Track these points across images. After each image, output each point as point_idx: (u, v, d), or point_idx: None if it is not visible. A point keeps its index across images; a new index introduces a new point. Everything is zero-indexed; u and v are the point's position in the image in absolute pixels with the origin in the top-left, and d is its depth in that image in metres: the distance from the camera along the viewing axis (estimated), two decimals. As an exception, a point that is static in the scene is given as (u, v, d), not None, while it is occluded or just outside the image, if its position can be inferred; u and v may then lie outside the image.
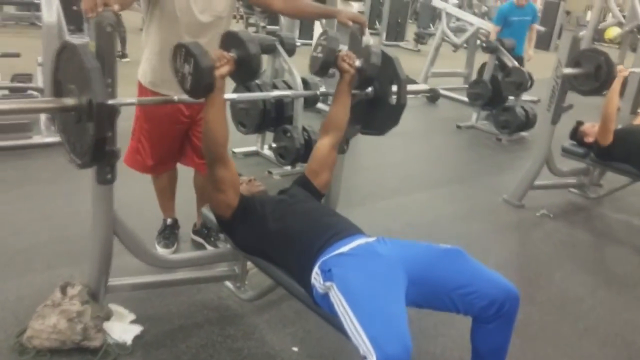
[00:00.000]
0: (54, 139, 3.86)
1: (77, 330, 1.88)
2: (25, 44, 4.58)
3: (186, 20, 2.20)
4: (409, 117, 6.08)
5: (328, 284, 1.57)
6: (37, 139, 3.81)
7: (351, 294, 1.50)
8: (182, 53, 1.73)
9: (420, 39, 12.16)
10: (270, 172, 3.87)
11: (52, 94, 1.77)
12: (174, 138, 2.50)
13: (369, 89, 2.26)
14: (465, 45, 7.47)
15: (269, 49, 3.82)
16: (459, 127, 5.77)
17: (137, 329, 2.07)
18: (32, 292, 2.17)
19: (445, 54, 7.65)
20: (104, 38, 1.67)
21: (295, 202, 1.95)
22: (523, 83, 5.11)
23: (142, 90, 2.37)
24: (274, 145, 3.87)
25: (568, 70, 3.35)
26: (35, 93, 4.07)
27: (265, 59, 4.01)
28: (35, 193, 3.15)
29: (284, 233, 1.82)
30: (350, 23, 2.23)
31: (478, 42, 7.11)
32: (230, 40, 1.87)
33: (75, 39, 1.62)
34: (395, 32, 12.65)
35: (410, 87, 2.96)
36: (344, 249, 1.68)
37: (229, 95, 2.18)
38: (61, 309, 1.91)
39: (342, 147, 2.49)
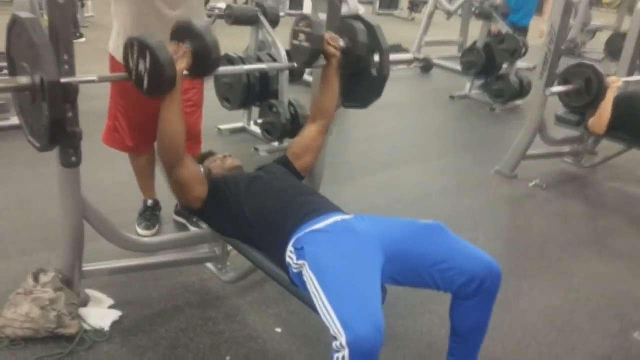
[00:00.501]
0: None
1: (50, 318, 1.82)
2: (4, 22, 4.43)
3: None
4: (400, 88, 6.07)
5: (301, 262, 1.53)
6: (15, 120, 3.68)
7: (323, 272, 1.45)
8: (136, 48, 1.60)
9: (414, 7, 11.93)
10: (256, 149, 3.78)
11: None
12: (152, 114, 2.38)
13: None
14: (459, 12, 7.29)
15: (251, 21, 3.69)
16: (452, 97, 5.66)
17: (115, 315, 2.01)
18: (6, 280, 2.10)
19: (440, 22, 7.47)
20: (57, 11, 1.56)
21: (271, 180, 1.87)
22: (517, 50, 4.98)
23: (116, 65, 2.27)
24: (259, 121, 3.78)
25: (556, 89, 3.34)
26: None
27: (248, 31, 3.89)
28: (11, 176, 3.07)
29: (258, 212, 1.76)
30: None
31: (473, 8, 6.92)
32: (183, 32, 1.74)
33: (25, 13, 1.52)
34: (389, 1, 12.38)
35: (394, 57, 2.85)
36: (319, 225, 1.62)
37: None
38: (33, 296, 1.85)
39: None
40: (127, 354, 1.85)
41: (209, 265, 2.31)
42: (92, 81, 1.72)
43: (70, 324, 1.86)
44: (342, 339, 1.26)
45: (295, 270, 1.56)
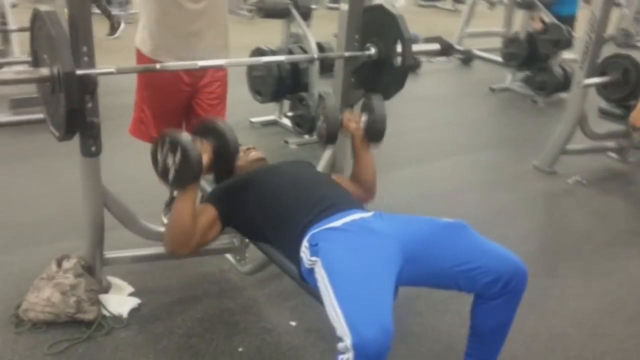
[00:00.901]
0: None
1: (70, 303, 1.88)
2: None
3: None
4: (438, 80, 5.97)
5: (314, 258, 1.49)
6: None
7: (335, 271, 1.41)
8: (167, 143, 1.63)
9: (459, -2, 11.64)
10: (286, 142, 3.78)
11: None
12: (176, 107, 2.44)
13: (372, 51, 2.13)
14: (504, 0, 7.07)
15: (282, 14, 3.69)
16: (492, 89, 5.49)
17: (134, 302, 2.05)
18: (35, 265, 2.16)
19: (485, 12, 7.27)
20: (76, 3, 1.59)
21: (291, 171, 1.86)
22: (561, 40, 4.78)
23: (141, 58, 2.31)
24: (289, 113, 3.79)
25: (590, 81, 3.22)
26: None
27: (279, 23, 3.89)
28: (49, 166, 3.17)
29: (276, 203, 1.72)
30: None
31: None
32: (206, 129, 1.83)
33: (45, 6, 1.55)
34: (433, -8, 12.14)
35: (418, 47, 2.78)
36: (336, 223, 1.58)
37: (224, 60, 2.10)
38: (55, 282, 1.90)
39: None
40: (143, 341, 1.89)
41: (228, 256, 2.32)
42: (111, 73, 1.75)
43: (89, 310, 1.91)
44: (348, 340, 1.23)
45: (307, 266, 1.52)
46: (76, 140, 1.75)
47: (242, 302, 2.13)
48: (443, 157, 3.82)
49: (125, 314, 1.99)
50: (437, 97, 5.30)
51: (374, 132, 2.01)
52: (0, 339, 1.82)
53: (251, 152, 2.06)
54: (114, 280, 2.13)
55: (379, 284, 1.38)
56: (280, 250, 1.72)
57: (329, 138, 2.03)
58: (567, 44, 4.84)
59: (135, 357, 1.81)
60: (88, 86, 1.66)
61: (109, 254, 2.04)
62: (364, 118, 2.01)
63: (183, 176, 1.63)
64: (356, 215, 1.61)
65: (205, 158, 1.68)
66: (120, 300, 2.05)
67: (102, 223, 1.92)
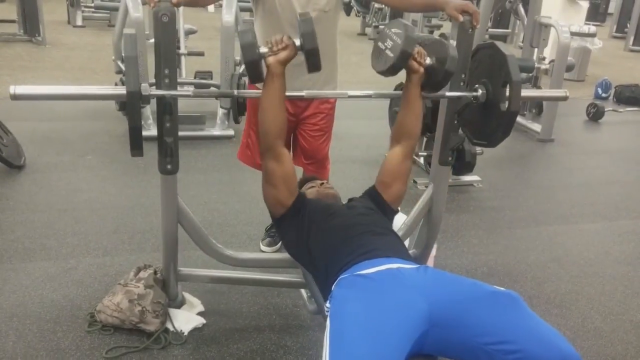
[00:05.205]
0: (222, 132, 4.20)
1: (135, 312, 1.96)
2: (209, 45, 5.03)
3: (287, 15, 2.18)
4: (623, 133, 5.31)
5: (328, 305, 1.39)
6: (206, 132, 4.17)
7: (337, 325, 1.28)
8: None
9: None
10: (415, 182, 3.58)
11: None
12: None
13: (479, 92, 1.90)
14: None
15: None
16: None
17: (199, 321, 2.08)
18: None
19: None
20: (160, 28, 1.69)
21: (348, 215, 1.74)
22: None
23: (250, 85, 2.38)
24: (422, 153, 3.63)
25: None
26: (214, 89, 4.44)
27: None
28: (184, 181, 3.41)
29: (321, 244, 1.65)
30: (461, 17, 1.91)
31: None
32: (300, 28, 1.71)
33: (129, 30, 1.68)
34: (647, 35, 10.76)
35: (536, 93, 2.43)
36: (369, 270, 1.44)
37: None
38: (127, 289, 2.01)
39: (446, 157, 2.16)
40: (191, 362, 1.89)
41: (303, 291, 2.23)
42: (188, 95, 1.83)
43: (151, 322, 1.97)
44: None
45: (326, 313, 1.40)
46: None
47: (302, 342, 2.02)
48: (593, 220, 3.26)
49: (186, 332, 2.02)
50: (614, 151, 4.62)
51: (434, 82, 1.79)
52: (72, 334, 1.97)
53: (325, 186, 2.02)
54: (188, 296, 2.19)
55: (381, 349, 1.19)
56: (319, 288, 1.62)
57: (390, 70, 1.76)
58: None
59: (178, 377, 1.82)
60: (166, 107, 1.75)
61: (184, 270, 2.10)
62: (429, 61, 1.77)
63: (245, 63, 1.64)
64: (394, 265, 1.44)
65: (282, 56, 1.62)
66: (187, 317, 2.09)
67: (175, 238, 1.98)
